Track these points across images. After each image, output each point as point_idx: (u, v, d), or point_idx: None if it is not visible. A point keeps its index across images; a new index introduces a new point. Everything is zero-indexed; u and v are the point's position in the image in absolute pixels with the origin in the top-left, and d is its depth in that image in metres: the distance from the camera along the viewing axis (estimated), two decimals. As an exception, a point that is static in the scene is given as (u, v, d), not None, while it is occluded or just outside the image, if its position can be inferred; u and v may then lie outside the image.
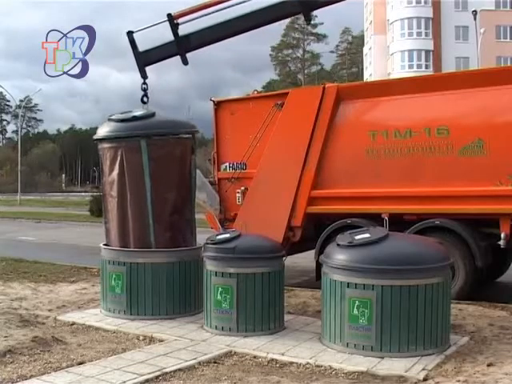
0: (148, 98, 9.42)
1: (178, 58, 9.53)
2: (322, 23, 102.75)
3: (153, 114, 8.87)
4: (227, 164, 12.10)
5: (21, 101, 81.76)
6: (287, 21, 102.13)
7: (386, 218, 9.60)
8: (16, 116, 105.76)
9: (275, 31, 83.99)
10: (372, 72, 71.42)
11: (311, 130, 10.80)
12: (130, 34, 9.42)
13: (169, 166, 8.61)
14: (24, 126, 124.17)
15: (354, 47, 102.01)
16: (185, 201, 8.90)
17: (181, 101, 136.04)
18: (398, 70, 63.67)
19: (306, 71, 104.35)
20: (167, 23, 9.38)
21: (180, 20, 9.42)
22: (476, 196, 9.44)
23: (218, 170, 12.21)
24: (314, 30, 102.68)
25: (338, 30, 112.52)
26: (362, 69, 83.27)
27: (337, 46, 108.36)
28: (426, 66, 63.84)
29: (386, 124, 10.39)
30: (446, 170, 9.69)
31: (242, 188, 11.68)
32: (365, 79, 70.05)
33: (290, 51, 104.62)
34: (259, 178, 11.36)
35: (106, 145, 8.83)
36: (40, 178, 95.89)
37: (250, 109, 11.92)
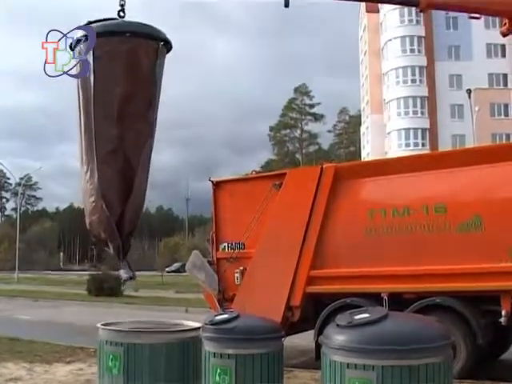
0: (124, 13, 8.81)
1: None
2: (320, 103, 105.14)
3: (113, 18, 8.58)
4: (226, 244, 12.11)
5: (20, 178, 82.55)
6: (285, 101, 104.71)
7: (386, 297, 9.57)
8: (16, 194, 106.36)
9: (273, 111, 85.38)
10: (369, 151, 72.19)
11: (309, 210, 10.86)
12: None
13: (111, 63, 8.27)
14: (23, 203, 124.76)
15: (351, 126, 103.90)
16: (144, 101, 8.44)
17: (175, 179, 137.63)
18: (395, 148, 64.33)
19: (303, 151, 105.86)
20: None
21: None
22: (476, 273, 9.39)
23: (217, 249, 12.21)
24: (312, 110, 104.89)
25: (335, 110, 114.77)
26: (360, 148, 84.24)
27: (334, 125, 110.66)
28: (423, 144, 64.56)
29: (384, 203, 10.46)
30: (445, 247, 9.69)
31: (241, 268, 11.65)
32: (362, 158, 70.84)
33: (288, 131, 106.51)
34: (258, 257, 11.34)
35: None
36: (38, 256, 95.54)
37: (248, 189, 12.03)
